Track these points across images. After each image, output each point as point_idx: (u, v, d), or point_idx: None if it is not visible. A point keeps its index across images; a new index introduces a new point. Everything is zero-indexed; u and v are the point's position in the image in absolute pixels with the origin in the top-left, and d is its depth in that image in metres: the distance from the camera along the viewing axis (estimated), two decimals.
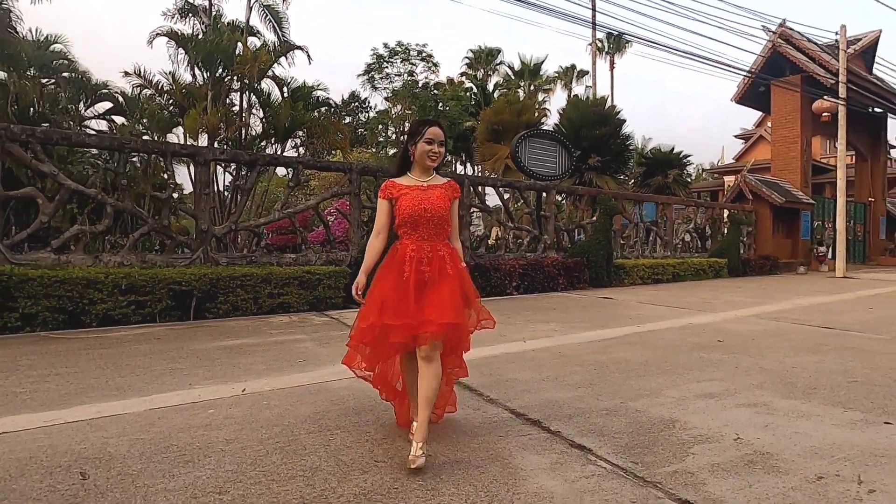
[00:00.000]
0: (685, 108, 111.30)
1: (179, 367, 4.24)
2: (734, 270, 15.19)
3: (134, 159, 12.01)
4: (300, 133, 14.85)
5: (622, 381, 3.86)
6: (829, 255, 19.31)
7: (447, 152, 2.76)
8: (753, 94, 21.85)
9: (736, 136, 39.29)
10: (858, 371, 4.16)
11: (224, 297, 6.91)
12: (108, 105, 17.62)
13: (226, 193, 15.43)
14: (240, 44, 14.37)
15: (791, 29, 20.30)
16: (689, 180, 29.97)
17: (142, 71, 15.10)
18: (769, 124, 23.48)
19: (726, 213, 17.88)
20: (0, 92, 13.87)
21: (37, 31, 16.26)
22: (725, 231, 16.80)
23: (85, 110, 17.40)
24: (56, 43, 16.59)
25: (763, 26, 20.07)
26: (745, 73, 19.79)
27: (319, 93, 15.78)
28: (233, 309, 6.97)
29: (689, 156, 23.53)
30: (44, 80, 15.76)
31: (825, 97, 18.33)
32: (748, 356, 4.68)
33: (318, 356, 4.63)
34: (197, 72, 14.30)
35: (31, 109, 15.39)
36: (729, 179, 30.95)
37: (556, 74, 38.06)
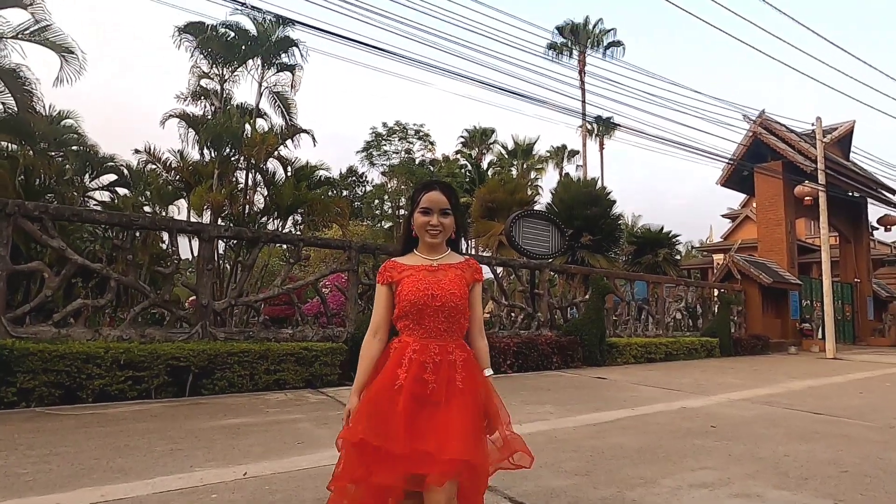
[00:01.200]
0: (673, 186, 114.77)
1: (179, 447, 4.26)
2: (726, 350, 15.29)
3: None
4: (302, 210, 15.30)
5: (618, 468, 3.92)
6: (819, 335, 19.49)
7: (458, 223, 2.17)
8: (738, 177, 22.77)
9: (723, 216, 40.32)
10: (849, 461, 4.24)
11: (221, 374, 6.93)
12: (113, 177, 18.09)
13: (225, 266, 15.62)
14: (248, 126, 15.06)
15: (770, 118, 21.46)
16: (678, 258, 30.61)
17: (151, 148, 15.69)
18: (754, 205, 24.30)
19: (716, 291, 18.20)
20: (9, 164, 14.25)
21: (50, 107, 16.90)
22: (716, 310, 17.03)
23: (90, 182, 17.84)
24: (67, 118, 17.22)
25: (744, 115, 21.17)
26: (727, 161, 20.69)
27: (321, 172, 16.40)
28: (229, 385, 6.98)
29: (677, 235, 24.16)
30: (52, 153, 16.24)
31: (806, 182, 19.13)
32: (741, 443, 4.75)
33: (316, 438, 4.66)
34: (205, 151, 14.89)
35: (38, 181, 15.79)
36: (718, 257, 31.58)
37: (548, 154, 39.51)
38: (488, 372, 2.09)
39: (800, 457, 4.33)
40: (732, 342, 15.72)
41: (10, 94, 11.05)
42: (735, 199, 36.84)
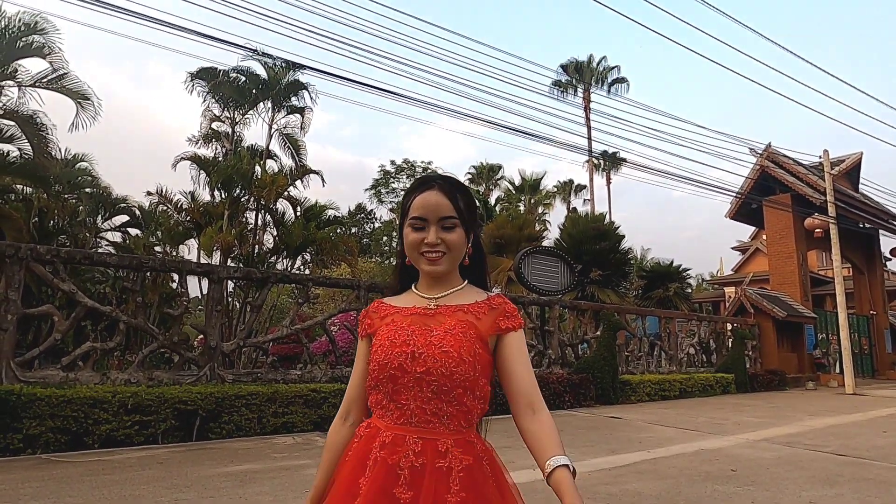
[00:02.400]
0: (682, 218, 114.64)
1: (185, 497, 4.17)
2: (742, 386, 14.98)
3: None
4: (310, 249, 15.40)
5: None
6: (837, 370, 19.09)
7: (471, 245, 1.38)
8: (746, 210, 22.71)
9: (733, 248, 40.12)
10: None
11: (228, 417, 6.84)
12: (124, 218, 18.34)
13: (234, 304, 15.65)
14: (258, 167, 15.31)
15: (777, 151, 21.52)
16: (689, 292, 30.35)
17: (163, 190, 15.94)
18: (764, 237, 24.17)
19: (729, 326, 17.93)
20: (24, 207, 14.50)
21: (65, 150, 17.26)
22: (730, 345, 16.75)
23: (102, 223, 18.08)
24: (82, 161, 17.56)
25: (750, 149, 21.29)
26: (734, 194, 20.69)
27: (330, 211, 16.56)
28: (236, 429, 6.87)
29: (688, 269, 24.00)
30: (66, 196, 16.52)
31: (816, 215, 19.04)
32: (763, 489, 4.58)
33: None
34: (216, 192, 15.12)
35: (51, 223, 16.03)
36: (729, 290, 31.27)
37: (556, 188, 39.72)
38: (556, 461, 1.16)
39: (825, 503, 4.16)
40: (748, 378, 15.40)
41: (26, 140, 11.33)
42: (745, 231, 36.74)
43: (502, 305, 1.34)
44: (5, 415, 5.63)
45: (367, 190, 38.89)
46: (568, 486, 1.14)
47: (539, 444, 1.23)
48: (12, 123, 11.22)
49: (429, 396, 1.22)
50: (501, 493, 1.23)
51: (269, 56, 11.14)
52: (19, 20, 10.89)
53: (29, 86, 11.44)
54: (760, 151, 21.14)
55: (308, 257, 16.15)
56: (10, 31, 10.83)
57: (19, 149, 11.57)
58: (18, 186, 14.07)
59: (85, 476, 4.83)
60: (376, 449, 1.22)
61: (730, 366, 15.45)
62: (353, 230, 35.87)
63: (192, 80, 16.20)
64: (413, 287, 1.40)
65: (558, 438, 1.24)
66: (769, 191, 21.31)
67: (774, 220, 21.05)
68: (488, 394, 1.29)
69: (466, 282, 1.39)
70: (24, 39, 11.02)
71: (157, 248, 18.99)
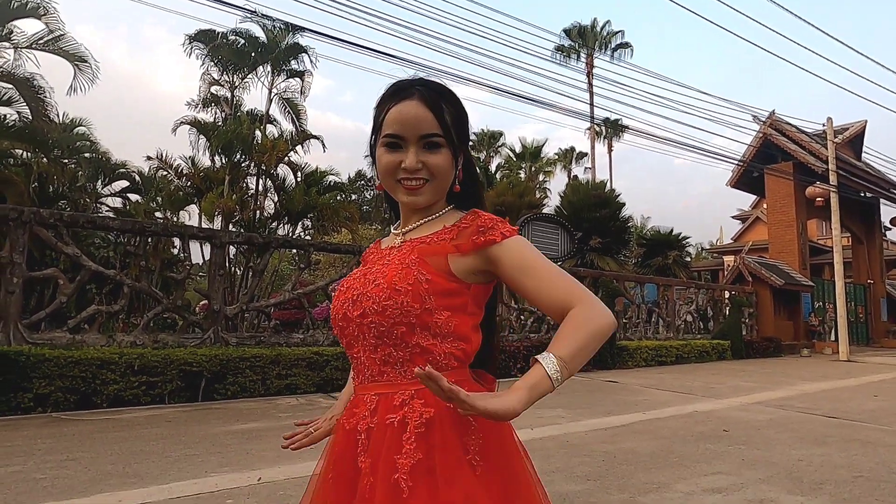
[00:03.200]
0: (683, 187, 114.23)
1: (193, 452, 4.30)
2: (738, 352, 15.19)
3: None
4: (311, 214, 15.42)
5: (631, 473, 3.91)
6: (832, 337, 19.32)
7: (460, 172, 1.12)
8: (748, 179, 22.62)
9: (733, 217, 40.11)
10: (864, 465, 4.21)
11: (233, 378, 6.98)
12: (124, 183, 18.30)
13: (236, 270, 15.74)
14: (258, 132, 15.21)
15: (780, 119, 21.32)
16: (688, 260, 30.44)
17: (163, 155, 15.88)
18: (765, 206, 24.15)
19: (727, 294, 18.08)
20: (24, 172, 14.45)
21: (63, 114, 17.10)
22: (727, 312, 16.93)
23: (102, 188, 18.05)
24: (80, 126, 17.43)
25: (753, 116, 21.07)
26: (736, 162, 20.59)
27: (331, 177, 16.52)
28: (241, 390, 7.02)
29: (687, 237, 24.03)
30: (65, 161, 16.45)
31: (817, 183, 18.98)
32: (754, 448, 4.72)
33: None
34: (216, 157, 15.06)
35: (51, 188, 16.00)
36: (728, 259, 31.40)
37: (556, 156, 39.45)
38: (540, 357, 0.91)
39: (814, 461, 4.31)
40: (744, 345, 15.60)
41: (24, 104, 11.22)
42: (745, 200, 36.69)
43: (474, 221, 1.06)
44: (15, 375, 5.76)
45: (366, 156, 38.54)
46: (521, 379, 0.88)
47: (561, 332, 0.96)
48: (9, 86, 11.11)
49: (373, 343, 1.03)
50: (485, 450, 0.97)
51: (269, 18, 10.95)
52: None
53: (25, 47, 11.29)
54: (764, 119, 20.93)
55: (309, 223, 16.18)
56: None
57: (18, 112, 11.48)
58: (17, 151, 14.00)
59: (95, 433, 4.98)
60: (342, 415, 1.10)
61: (726, 333, 15.64)
62: (353, 197, 35.78)
63: (190, 43, 15.96)
64: (393, 225, 1.20)
65: (568, 335, 0.93)
66: (771, 159, 21.19)
67: (776, 188, 20.99)
68: (462, 331, 1.03)
69: (450, 207, 1.15)
70: (19, 0, 10.83)
71: (158, 214, 18.99)
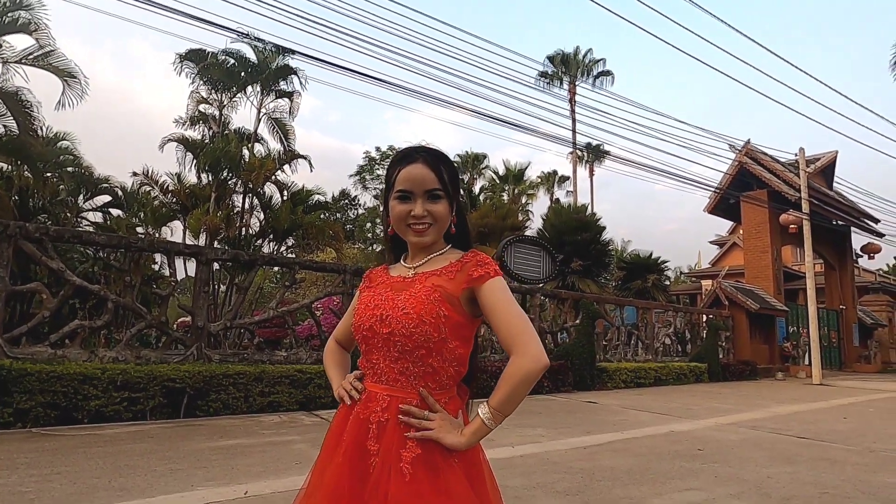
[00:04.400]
0: (662, 211, 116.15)
1: (178, 467, 4.33)
2: (714, 375, 15.46)
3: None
4: (297, 233, 15.47)
5: (609, 489, 4.04)
6: (806, 362, 19.74)
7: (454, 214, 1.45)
8: (725, 205, 23.21)
9: (711, 242, 40.87)
10: (831, 482, 4.39)
11: (216, 395, 6.99)
12: (107, 198, 18.16)
13: (220, 288, 15.68)
14: (246, 151, 15.31)
15: (755, 147, 22.00)
16: (667, 283, 30.91)
17: (149, 171, 15.85)
18: (741, 232, 24.74)
19: (705, 317, 18.43)
20: (5, 184, 14.33)
21: (47, 128, 17.02)
22: (704, 336, 17.24)
23: (84, 203, 17.90)
24: (64, 140, 17.32)
25: (730, 145, 21.73)
26: (713, 189, 21.13)
27: (317, 196, 16.63)
28: (223, 407, 7.02)
29: (666, 261, 24.50)
30: (47, 174, 16.33)
31: (791, 211, 19.56)
32: (727, 466, 4.89)
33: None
34: (203, 174, 15.09)
35: (31, 202, 15.84)
36: (706, 283, 31.95)
37: (539, 179, 40.00)
38: (484, 415, 1.29)
39: (782, 478, 4.47)
40: (721, 367, 15.89)
41: (11, 117, 11.21)
42: (723, 225, 37.46)
43: (473, 257, 1.36)
44: None
45: (351, 176, 38.83)
46: (467, 426, 1.30)
47: (501, 384, 1.28)
48: None
49: (395, 356, 1.32)
50: (462, 456, 1.29)
51: (260, 40, 11.16)
52: None
53: (14, 62, 11.32)
54: (739, 148, 21.60)
55: (293, 241, 16.22)
56: None
57: (5, 126, 11.45)
58: (1, 165, 13.91)
59: (78, 448, 4.97)
60: (358, 405, 1.36)
61: (703, 356, 15.93)
62: (337, 216, 35.82)
63: (180, 62, 16.08)
64: (402, 258, 1.48)
65: (500, 387, 1.27)
66: (747, 186, 21.81)
67: (751, 215, 21.57)
68: (462, 357, 1.35)
69: (449, 246, 1.45)
70: (9, 15, 10.88)
71: (140, 230, 18.86)
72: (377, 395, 1.34)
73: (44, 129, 16.21)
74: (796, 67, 15.54)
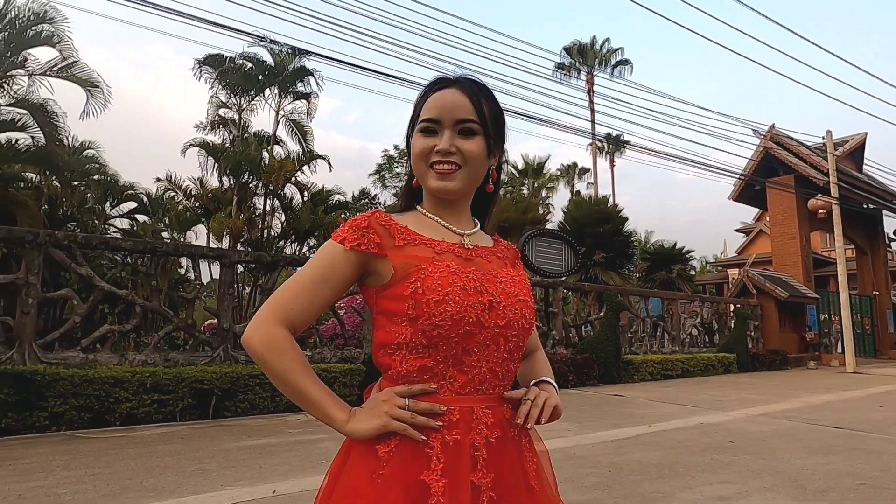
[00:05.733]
0: (686, 200, 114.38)
1: (207, 467, 4.39)
2: (743, 365, 15.18)
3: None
4: (318, 233, 15.61)
5: (637, 483, 3.98)
6: (839, 349, 19.27)
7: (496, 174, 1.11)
8: (750, 192, 22.76)
9: (737, 230, 40.16)
10: (868, 473, 4.27)
11: (243, 396, 7.07)
12: (133, 205, 18.54)
13: (245, 289, 15.90)
14: (266, 153, 15.49)
15: (780, 132, 21.51)
16: (693, 274, 30.42)
17: (172, 177, 16.14)
18: (768, 219, 24.23)
19: (732, 307, 18.11)
20: (34, 194, 14.69)
21: (73, 138, 17.40)
22: (732, 325, 16.95)
23: (111, 210, 18.30)
24: (89, 149, 17.72)
25: (754, 130, 21.25)
26: (737, 176, 20.73)
27: (337, 196, 16.77)
28: (251, 407, 7.11)
29: (691, 251, 24.10)
30: (75, 183, 16.71)
31: (819, 196, 19.09)
32: (760, 458, 4.78)
33: None
34: (224, 178, 15.32)
35: (60, 210, 16.24)
36: (733, 272, 31.39)
37: (559, 172, 39.70)
38: (554, 386, 1.12)
39: (818, 470, 4.37)
40: (750, 358, 15.60)
41: (38, 129, 11.50)
42: (749, 212, 36.76)
43: (510, 247, 1.19)
44: (31, 394, 5.87)
45: (371, 175, 38.98)
46: (553, 395, 1.07)
47: (532, 369, 1.17)
48: (24, 112, 11.38)
49: (505, 356, 1.01)
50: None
51: (276, 43, 11.26)
52: (28, 10, 11.03)
53: (39, 74, 11.59)
54: (764, 133, 21.13)
55: (315, 241, 16.37)
56: (20, 21, 10.96)
57: (32, 137, 11.75)
58: (29, 174, 14.26)
59: (111, 450, 5.07)
60: (442, 432, 0.94)
61: (732, 346, 15.66)
62: (357, 215, 36.00)
63: (199, 67, 16.32)
64: (420, 210, 1.10)
65: (548, 371, 1.17)
66: (772, 172, 21.34)
67: (777, 201, 21.11)
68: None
69: (474, 221, 1.15)
70: (33, 28, 11.14)
71: (165, 234, 19.22)
72: (473, 412, 0.97)
73: (70, 138, 16.57)
74: (822, 48, 15.12)
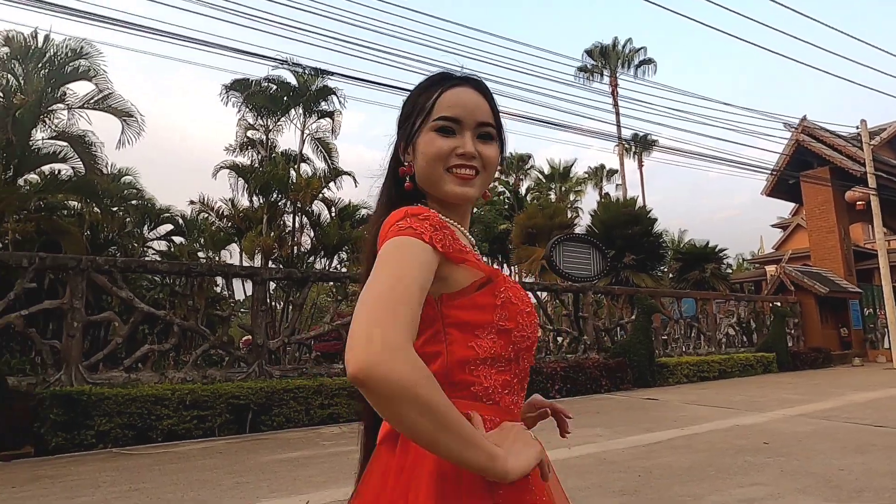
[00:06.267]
0: (719, 198, 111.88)
1: (245, 480, 4.55)
2: (784, 365, 14.79)
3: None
4: (346, 247, 15.89)
5: (666, 486, 3.97)
6: (885, 345, 18.59)
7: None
8: (784, 186, 22.19)
9: (773, 226, 39.09)
10: None
11: (278, 410, 7.26)
12: (169, 227, 19.17)
13: (276, 305, 16.25)
14: (293, 172, 15.89)
15: (812, 124, 20.96)
16: (729, 272, 29.75)
17: (205, 199, 16.67)
18: (805, 213, 23.56)
19: (770, 305, 17.67)
20: (77, 221, 15.35)
21: (111, 165, 18.13)
22: (769, 324, 16.54)
23: (148, 232, 18.95)
24: (126, 175, 18.42)
25: (784, 123, 20.76)
26: (769, 171, 20.28)
27: (364, 211, 17.04)
28: (286, 421, 7.29)
29: (724, 249, 23.60)
30: (114, 209, 17.39)
31: (856, 187, 18.52)
32: (794, 459, 4.71)
33: None
34: (254, 197, 15.76)
35: (102, 235, 16.90)
36: (770, 269, 30.55)
37: (586, 175, 39.40)
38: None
39: (855, 469, 4.28)
40: (790, 356, 15.19)
41: (78, 159, 12.06)
42: (785, 207, 35.79)
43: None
44: (78, 414, 6.15)
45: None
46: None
47: None
48: (65, 144, 11.97)
49: (525, 375, 0.95)
50: None
51: (298, 65, 11.59)
52: (66, 46, 11.61)
53: (77, 107, 12.17)
54: (795, 125, 20.63)
55: (345, 256, 16.64)
56: (59, 58, 11.56)
57: (72, 167, 12.32)
58: (71, 203, 14.90)
59: (154, 465, 5.28)
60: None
61: (770, 345, 15.27)
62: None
63: (226, 92, 16.86)
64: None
65: None
66: (806, 165, 20.79)
67: (813, 194, 20.55)
68: None
69: None
70: (71, 64, 11.73)
71: (201, 254, 19.80)
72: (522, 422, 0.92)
73: (108, 166, 17.27)
74: (851, 37, 14.75)
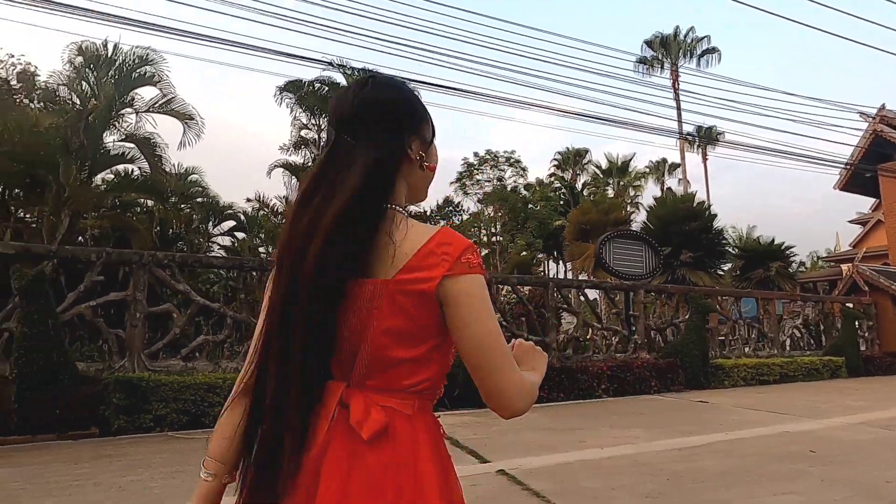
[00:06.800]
0: (791, 193, 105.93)
1: None
2: (854, 370, 13.93)
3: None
4: None
5: (696, 492, 3.88)
6: None
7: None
8: (860, 180, 20.89)
9: (850, 221, 36.73)
10: None
11: None
12: (232, 223, 20.06)
13: None
14: None
15: (893, 112, 19.61)
16: (801, 270, 28.18)
17: (261, 196, 17.34)
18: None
19: (841, 306, 16.66)
20: (147, 218, 16.30)
21: (177, 164, 19.11)
22: (839, 326, 15.60)
23: (213, 228, 19.89)
24: (193, 174, 19.37)
25: (860, 113, 19.57)
26: (843, 165, 19.12)
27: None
28: None
29: (791, 246, 22.43)
30: (181, 206, 18.35)
31: None
32: (841, 468, 4.47)
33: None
34: None
35: (170, 231, 17.89)
36: (846, 267, 28.80)
37: (647, 169, 38.31)
38: None
39: None
40: (862, 361, 14.28)
41: (145, 160, 12.84)
42: (865, 201, 33.57)
43: None
44: (138, 398, 6.58)
45: (452, 183, 39.54)
46: None
47: None
48: (132, 146, 12.76)
49: None
50: None
51: (346, 67, 11.85)
52: (133, 54, 12.38)
53: (144, 112, 12.94)
54: (872, 115, 19.35)
55: None
56: (127, 65, 12.33)
57: (139, 168, 13.13)
58: (142, 200, 15.84)
59: (203, 449, 5.51)
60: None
61: (840, 348, 14.41)
62: (441, 222, 36.65)
63: (280, 94, 17.46)
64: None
65: None
66: (884, 157, 19.48)
67: (892, 188, 19.25)
68: None
69: None
70: (137, 70, 12.49)
71: (261, 249, 20.62)
72: None
73: (175, 165, 18.22)
74: None
